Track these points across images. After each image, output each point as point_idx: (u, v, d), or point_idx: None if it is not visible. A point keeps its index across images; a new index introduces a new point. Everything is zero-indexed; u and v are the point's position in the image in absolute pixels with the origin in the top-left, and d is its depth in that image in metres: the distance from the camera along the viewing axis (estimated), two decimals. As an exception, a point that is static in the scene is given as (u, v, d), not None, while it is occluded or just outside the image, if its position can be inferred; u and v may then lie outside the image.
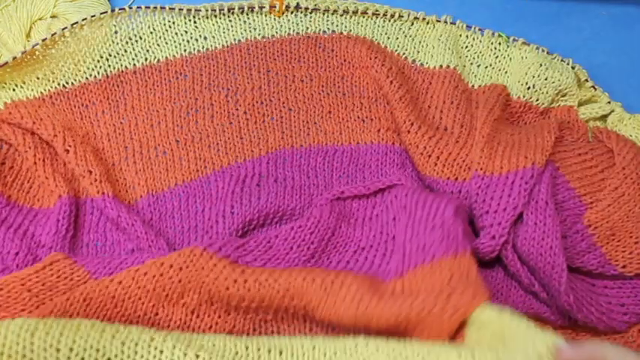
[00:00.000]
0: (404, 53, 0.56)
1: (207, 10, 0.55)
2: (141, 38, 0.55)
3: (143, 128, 0.52)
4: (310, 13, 0.56)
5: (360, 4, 0.56)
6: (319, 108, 0.53)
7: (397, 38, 0.56)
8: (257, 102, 0.53)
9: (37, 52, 0.52)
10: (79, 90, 0.53)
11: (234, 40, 0.55)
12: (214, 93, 0.53)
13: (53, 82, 0.53)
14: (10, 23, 0.54)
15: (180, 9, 0.55)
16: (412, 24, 0.56)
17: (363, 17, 0.56)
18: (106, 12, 0.54)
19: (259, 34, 0.55)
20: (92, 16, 0.53)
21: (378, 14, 0.55)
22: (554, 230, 0.44)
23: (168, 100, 0.53)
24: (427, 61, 0.55)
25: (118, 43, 0.54)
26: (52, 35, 0.52)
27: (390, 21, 0.56)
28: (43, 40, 0.52)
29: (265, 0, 0.55)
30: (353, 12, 0.55)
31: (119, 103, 0.53)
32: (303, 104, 0.53)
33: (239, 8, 0.55)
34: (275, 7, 0.55)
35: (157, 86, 0.54)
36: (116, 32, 0.54)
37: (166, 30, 0.55)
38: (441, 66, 0.54)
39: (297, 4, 0.55)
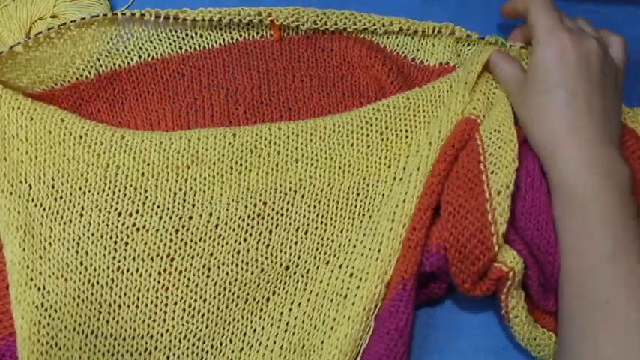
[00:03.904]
0: (403, 52, 0.56)
1: (203, 20, 0.53)
2: (132, 36, 0.54)
3: (143, 128, 0.52)
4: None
5: (359, 17, 0.54)
6: (319, 108, 0.53)
7: (397, 37, 0.56)
8: (257, 102, 0.53)
9: (19, 56, 0.50)
10: (69, 90, 0.52)
11: (232, 39, 0.55)
12: (214, 93, 0.53)
13: (40, 84, 0.51)
14: (9, 23, 0.54)
15: (176, 17, 0.52)
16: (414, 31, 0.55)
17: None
18: (96, 16, 0.52)
19: (257, 34, 0.55)
20: (82, 19, 0.52)
21: (377, 32, 0.55)
22: (549, 208, 0.45)
23: (167, 100, 0.53)
24: (427, 59, 0.55)
25: (108, 42, 0.53)
26: (37, 35, 0.50)
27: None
28: (26, 40, 0.50)
29: (261, 13, 0.53)
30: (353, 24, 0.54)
31: (115, 102, 0.53)
32: (303, 104, 0.53)
33: (237, 19, 0.53)
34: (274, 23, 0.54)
35: (154, 85, 0.53)
36: (105, 33, 0.53)
37: (159, 27, 0.54)
38: (440, 63, 0.55)
39: (297, 27, 0.54)
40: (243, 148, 0.48)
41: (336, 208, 0.48)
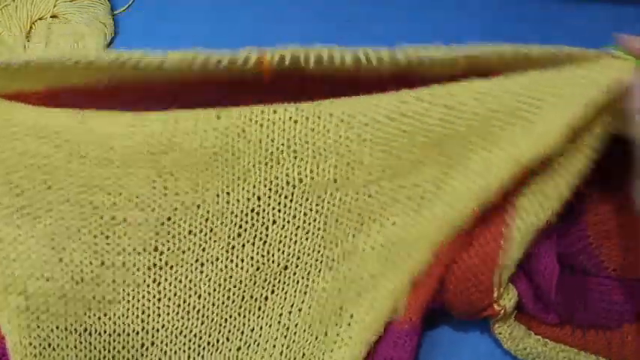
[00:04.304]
0: None
1: (189, 62, 0.39)
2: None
3: None
4: None
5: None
6: None
7: None
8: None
9: None
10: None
11: None
12: (199, 96, 0.44)
13: None
14: (10, 23, 0.55)
15: (160, 66, 0.39)
16: None
17: None
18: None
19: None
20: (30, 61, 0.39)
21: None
22: (549, 234, 0.43)
23: (140, 102, 0.43)
24: None
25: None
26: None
27: None
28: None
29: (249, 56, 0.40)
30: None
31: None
32: None
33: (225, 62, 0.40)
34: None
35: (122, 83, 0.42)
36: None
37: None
38: None
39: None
40: (229, 131, 0.41)
41: (342, 209, 0.42)
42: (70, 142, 0.40)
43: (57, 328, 0.41)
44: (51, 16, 0.56)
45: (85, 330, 0.42)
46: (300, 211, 0.42)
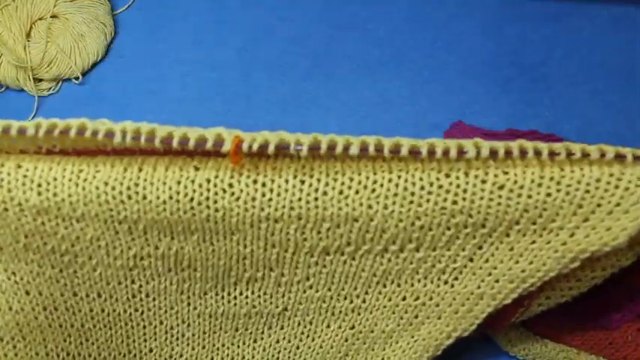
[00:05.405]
0: None
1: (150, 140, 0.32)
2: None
3: None
4: None
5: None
6: None
7: None
8: None
9: None
10: None
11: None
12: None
13: None
14: (10, 23, 0.55)
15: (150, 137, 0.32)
16: None
17: None
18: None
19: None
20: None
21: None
22: None
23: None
24: None
25: None
26: None
27: None
28: None
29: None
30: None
31: None
32: None
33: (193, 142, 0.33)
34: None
35: None
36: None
37: None
38: None
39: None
40: (211, 185, 0.34)
41: (355, 268, 0.38)
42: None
43: (37, 354, 0.40)
44: (51, 16, 0.56)
45: (68, 354, 0.41)
46: (303, 265, 0.38)
